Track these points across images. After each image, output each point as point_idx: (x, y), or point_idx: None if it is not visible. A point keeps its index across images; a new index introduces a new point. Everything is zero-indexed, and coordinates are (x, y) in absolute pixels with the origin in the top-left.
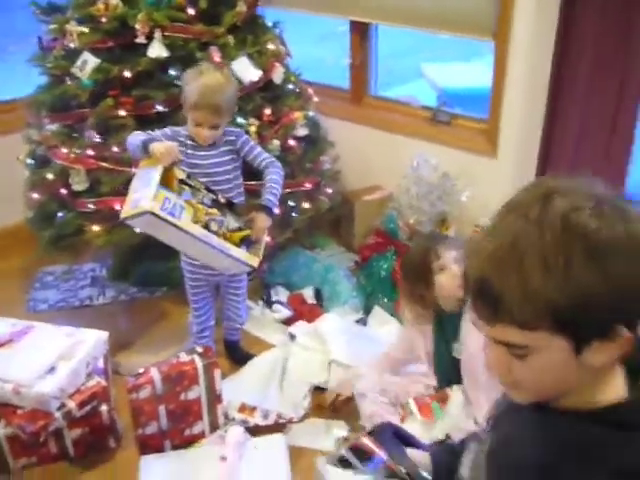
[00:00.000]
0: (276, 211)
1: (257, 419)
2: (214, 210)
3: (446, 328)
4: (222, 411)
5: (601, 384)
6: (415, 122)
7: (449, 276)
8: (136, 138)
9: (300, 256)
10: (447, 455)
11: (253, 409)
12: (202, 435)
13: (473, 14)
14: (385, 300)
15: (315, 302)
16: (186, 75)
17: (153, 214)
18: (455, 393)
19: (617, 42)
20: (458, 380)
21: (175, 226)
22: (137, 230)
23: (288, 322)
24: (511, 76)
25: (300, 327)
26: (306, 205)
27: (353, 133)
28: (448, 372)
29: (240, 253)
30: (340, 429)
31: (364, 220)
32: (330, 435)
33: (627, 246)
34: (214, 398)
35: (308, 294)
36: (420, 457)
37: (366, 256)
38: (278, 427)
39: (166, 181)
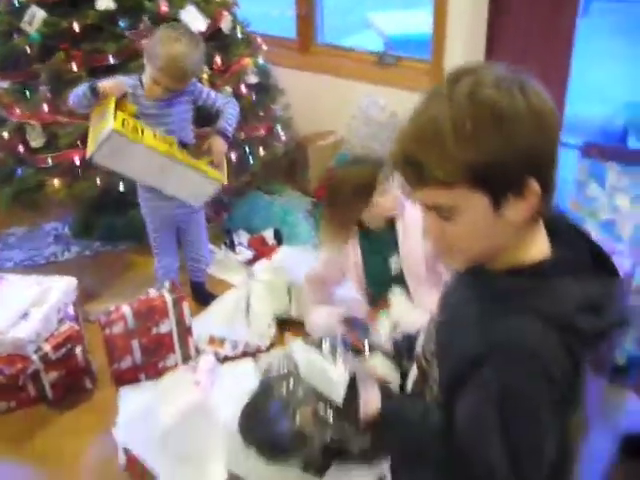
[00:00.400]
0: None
1: (226, 350)
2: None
3: (376, 244)
4: (193, 344)
5: (526, 244)
6: (362, 66)
7: (390, 198)
8: (80, 88)
9: (259, 200)
10: (406, 339)
11: (222, 341)
12: (175, 367)
13: None
14: None
15: (275, 242)
16: (160, 34)
17: (116, 132)
18: (395, 296)
19: None
20: None
21: (140, 144)
22: (101, 162)
23: (251, 263)
24: (451, 14)
25: (260, 265)
26: (261, 151)
27: (302, 81)
28: (383, 287)
29: (207, 169)
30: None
31: (318, 165)
32: None
33: (526, 114)
34: (185, 331)
35: (268, 235)
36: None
37: (322, 195)
38: (247, 357)
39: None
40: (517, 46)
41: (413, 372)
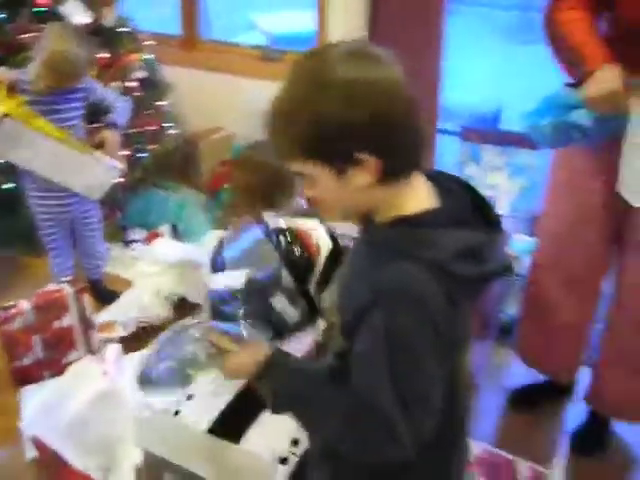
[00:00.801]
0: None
1: (118, 332)
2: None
3: None
4: (96, 337)
5: (406, 197)
6: (249, 62)
7: None
8: None
9: (154, 196)
10: None
11: (112, 324)
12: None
13: None
14: None
15: (173, 238)
16: (48, 30)
17: (7, 116)
18: None
19: None
20: None
21: (32, 129)
22: None
23: None
24: (333, 9)
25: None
26: (152, 146)
27: (190, 77)
28: None
29: (102, 156)
30: None
31: (210, 160)
32: None
33: (349, 89)
34: (87, 324)
35: (165, 231)
36: None
37: (217, 186)
38: (144, 335)
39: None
40: (396, 38)
41: (322, 324)
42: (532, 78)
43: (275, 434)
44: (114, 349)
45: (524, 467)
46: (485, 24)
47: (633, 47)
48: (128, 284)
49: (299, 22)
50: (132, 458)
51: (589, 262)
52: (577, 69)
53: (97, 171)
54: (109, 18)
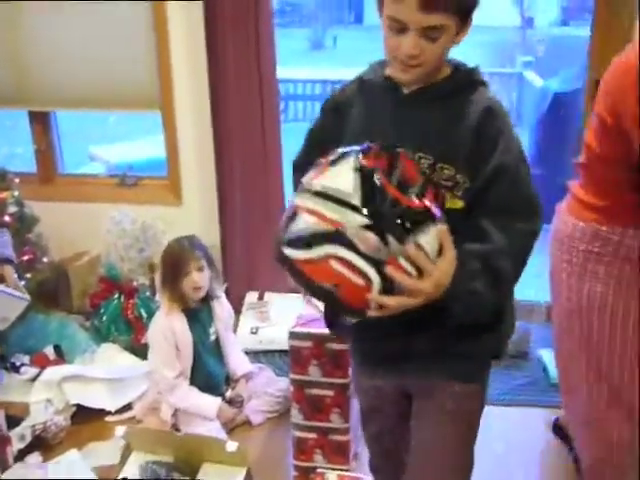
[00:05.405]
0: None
1: (15, 445)
2: None
3: (200, 319)
4: (11, 453)
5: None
6: (106, 189)
7: (189, 280)
8: None
9: (32, 321)
10: None
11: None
12: None
13: (140, 90)
14: (120, 337)
15: (57, 357)
16: None
17: None
18: None
19: (251, 74)
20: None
21: None
22: None
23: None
24: (181, 136)
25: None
26: (28, 274)
27: (51, 210)
28: (206, 359)
29: (7, 288)
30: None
31: (79, 284)
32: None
33: None
34: (2, 440)
35: (49, 352)
36: None
37: (96, 304)
38: (46, 442)
39: None
40: (240, 148)
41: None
42: None
43: None
44: (34, 457)
45: None
46: None
47: None
48: (26, 409)
49: (135, 151)
50: None
51: None
52: None
53: (5, 303)
54: None
